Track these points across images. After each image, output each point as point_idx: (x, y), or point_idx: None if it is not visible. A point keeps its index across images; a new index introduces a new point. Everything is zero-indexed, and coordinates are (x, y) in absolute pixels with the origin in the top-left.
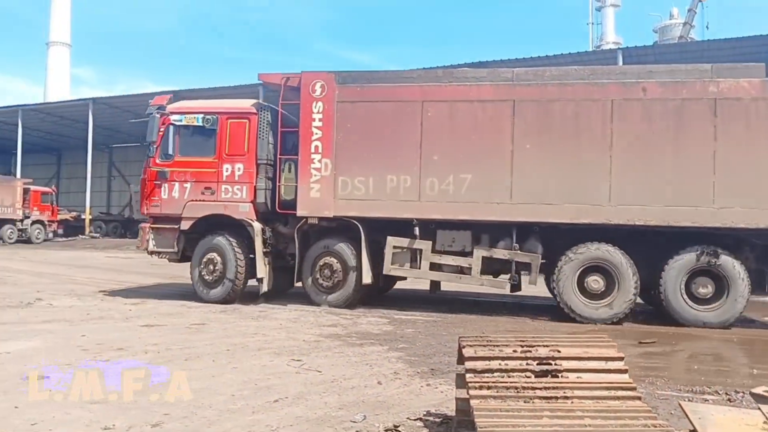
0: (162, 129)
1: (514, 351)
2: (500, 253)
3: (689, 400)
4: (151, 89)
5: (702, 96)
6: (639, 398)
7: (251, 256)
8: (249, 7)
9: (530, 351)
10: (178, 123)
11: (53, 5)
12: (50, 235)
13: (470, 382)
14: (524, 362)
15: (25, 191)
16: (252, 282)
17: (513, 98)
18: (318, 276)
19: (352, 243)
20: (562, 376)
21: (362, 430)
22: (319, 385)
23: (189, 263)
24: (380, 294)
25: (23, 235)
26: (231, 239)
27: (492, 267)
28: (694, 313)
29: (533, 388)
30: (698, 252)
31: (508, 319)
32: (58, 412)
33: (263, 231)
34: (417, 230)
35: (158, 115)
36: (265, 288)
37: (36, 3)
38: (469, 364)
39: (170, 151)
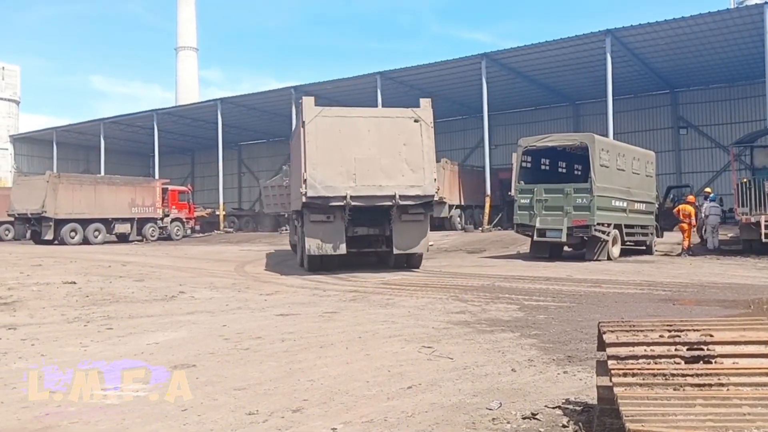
0: None
1: (661, 336)
2: None
3: None
4: (274, 85)
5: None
6: None
7: None
8: None
9: (679, 336)
10: None
11: (179, 12)
12: (188, 231)
13: (613, 369)
14: (672, 348)
15: (164, 191)
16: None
17: None
18: None
19: None
20: (715, 362)
21: (499, 417)
22: (452, 372)
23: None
24: None
25: (164, 232)
26: None
27: None
28: None
29: (683, 375)
30: None
31: (648, 304)
32: (206, 399)
33: None
34: None
35: None
36: None
37: (164, 11)
38: (611, 351)
39: None
